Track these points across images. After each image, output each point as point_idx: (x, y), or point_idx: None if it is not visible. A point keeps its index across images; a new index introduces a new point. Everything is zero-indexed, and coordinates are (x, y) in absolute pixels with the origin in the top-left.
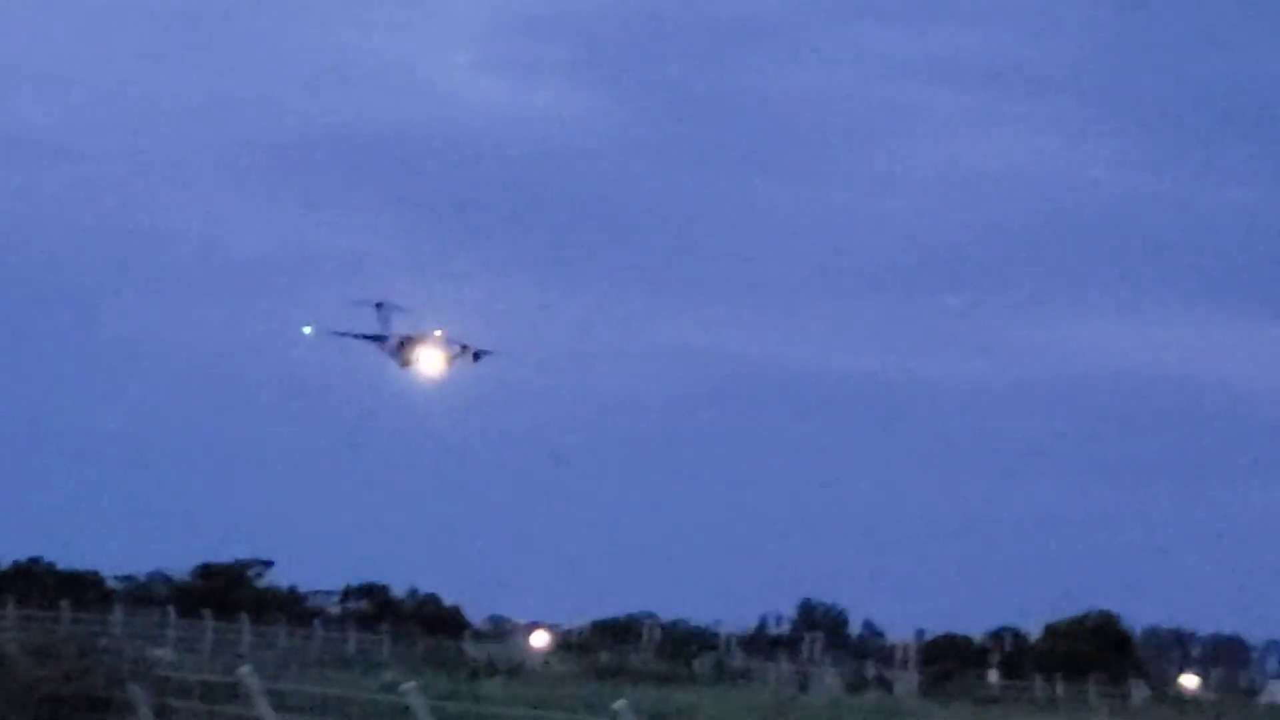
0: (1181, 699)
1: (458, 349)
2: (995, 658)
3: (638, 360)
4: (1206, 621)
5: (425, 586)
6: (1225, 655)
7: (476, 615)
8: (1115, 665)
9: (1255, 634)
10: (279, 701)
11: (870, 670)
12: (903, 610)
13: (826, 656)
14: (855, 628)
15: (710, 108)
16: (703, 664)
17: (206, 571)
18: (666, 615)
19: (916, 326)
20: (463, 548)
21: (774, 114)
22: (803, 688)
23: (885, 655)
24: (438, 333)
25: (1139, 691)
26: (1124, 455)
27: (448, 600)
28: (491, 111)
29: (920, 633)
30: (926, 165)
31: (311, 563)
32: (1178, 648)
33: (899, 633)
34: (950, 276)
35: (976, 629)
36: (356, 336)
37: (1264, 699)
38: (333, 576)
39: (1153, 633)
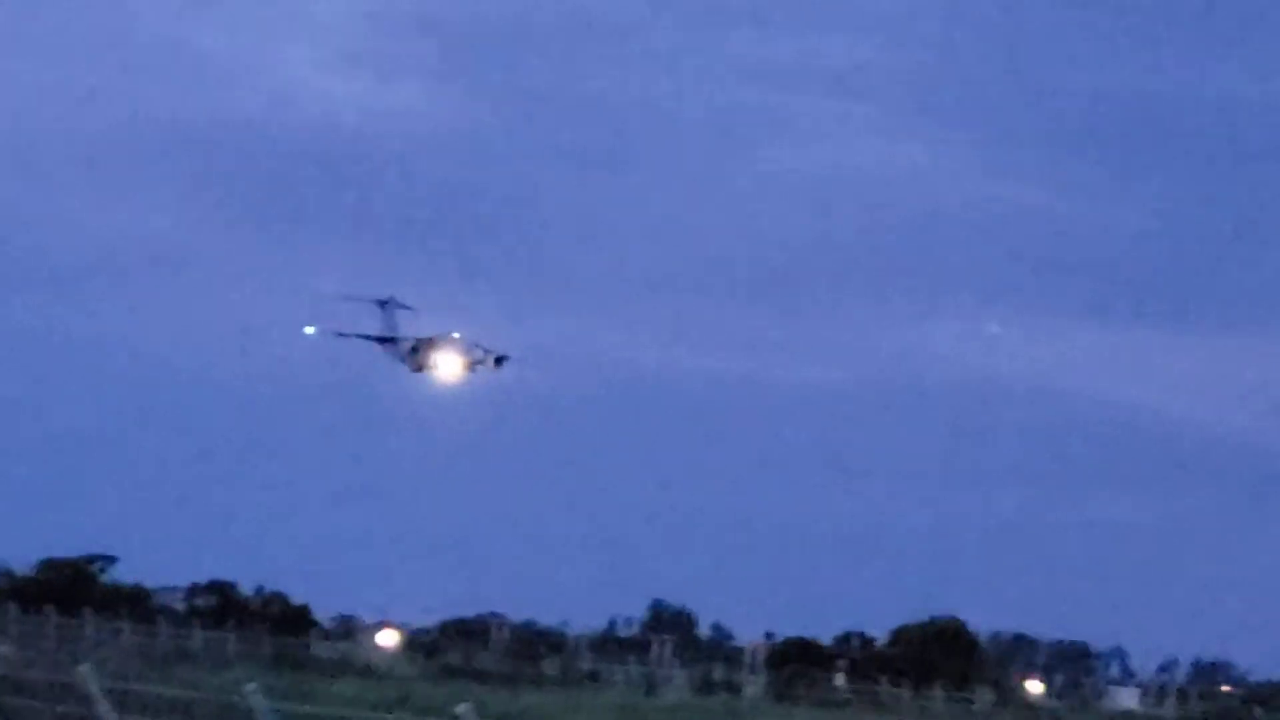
0: (1025, 704)
1: (479, 353)
2: (843, 661)
3: None
4: (1051, 627)
5: (272, 584)
6: (1069, 661)
7: (324, 614)
8: (961, 670)
9: (1099, 640)
10: (120, 701)
11: (719, 673)
12: (752, 613)
13: (675, 659)
14: (704, 630)
15: (569, 108)
16: (551, 665)
17: (49, 566)
18: (515, 616)
19: (764, 329)
20: (310, 546)
21: (633, 116)
22: (650, 690)
23: (734, 658)
24: (456, 335)
25: (983, 696)
26: (971, 461)
27: (295, 599)
28: (346, 109)
29: (769, 635)
30: (783, 169)
31: (157, 559)
32: (1022, 653)
33: (748, 635)
34: (801, 280)
35: (825, 633)
36: (364, 338)
37: (1106, 704)
38: (178, 573)
39: (997, 638)
